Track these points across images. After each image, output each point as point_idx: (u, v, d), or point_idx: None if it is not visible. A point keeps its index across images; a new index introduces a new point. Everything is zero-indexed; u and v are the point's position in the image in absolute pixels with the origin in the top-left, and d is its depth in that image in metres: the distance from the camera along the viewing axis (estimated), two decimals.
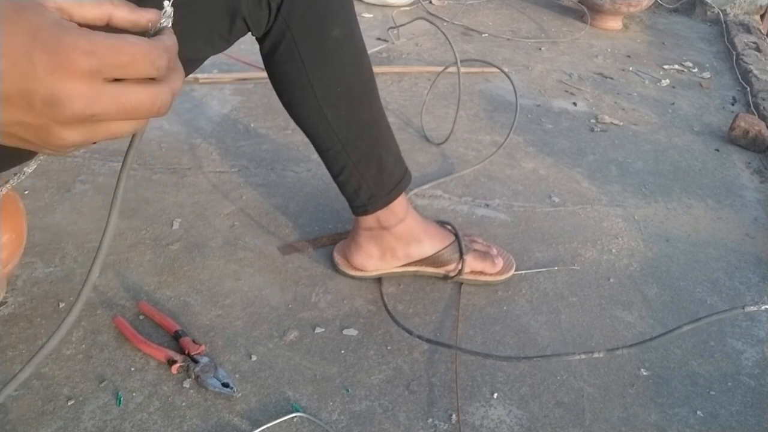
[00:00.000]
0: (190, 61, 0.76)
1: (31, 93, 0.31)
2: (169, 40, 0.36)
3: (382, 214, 0.92)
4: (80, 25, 0.33)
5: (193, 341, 0.82)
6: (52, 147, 0.35)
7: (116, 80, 0.34)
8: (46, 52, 0.31)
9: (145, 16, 0.38)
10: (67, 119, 0.32)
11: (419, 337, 0.87)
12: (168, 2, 0.38)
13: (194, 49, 0.73)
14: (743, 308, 0.71)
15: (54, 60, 0.31)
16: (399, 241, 0.94)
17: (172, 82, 0.37)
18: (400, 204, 0.92)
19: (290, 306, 0.92)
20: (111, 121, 0.35)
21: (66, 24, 0.32)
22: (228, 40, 0.74)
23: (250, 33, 0.77)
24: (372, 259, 0.96)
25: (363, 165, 0.88)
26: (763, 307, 0.71)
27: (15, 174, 0.48)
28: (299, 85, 0.81)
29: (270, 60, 0.81)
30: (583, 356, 0.81)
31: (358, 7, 2.20)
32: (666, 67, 2.14)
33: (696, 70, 2.15)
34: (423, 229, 0.96)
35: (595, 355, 0.79)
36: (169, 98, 0.37)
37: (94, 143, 0.37)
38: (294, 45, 0.77)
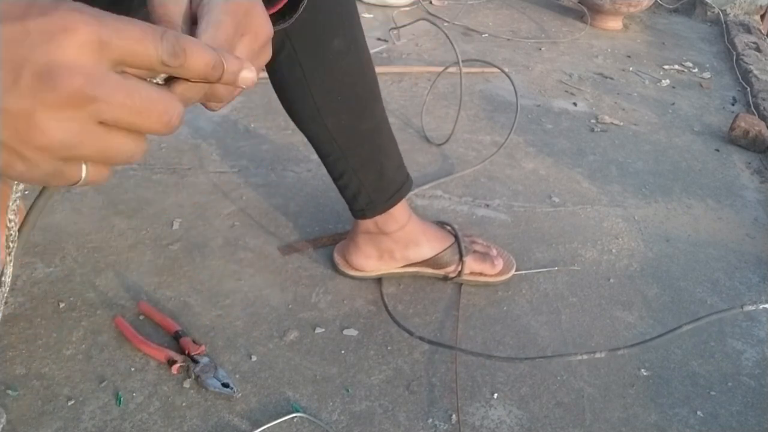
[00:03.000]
0: None
1: (22, 63, 0.26)
2: (186, 39, 0.30)
3: (381, 219, 0.92)
4: None
5: (193, 341, 0.82)
6: (31, 150, 0.27)
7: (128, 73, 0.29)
8: (44, 14, 0.26)
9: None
10: (60, 100, 0.26)
11: (420, 338, 0.87)
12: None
13: None
14: (742, 308, 0.71)
15: (53, 24, 0.26)
16: (397, 244, 0.94)
17: (180, 91, 0.32)
18: (399, 209, 0.92)
19: (290, 306, 0.92)
20: (110, 125, 0.29)
21: None
22: None
23: None
24: (370, 260, 0.96)
25: (363, 171, 0.87)
26: (761, 306, 0.71)
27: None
28: (299, 93, 0.80)
29: (270, 67, 0.81)
30: (584, 357, 0.81)
31: (358, 8, 2.20)
32: (666, 67, 2.14)
33: (696, 70, 2.15)
34: (422, 232, 0.96)
35: (597, 355, 0.79)
36: (181, 114, 0.31)
37: (84, 167, 0.30)
38: (294, 54, 0.76)
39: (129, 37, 0.28)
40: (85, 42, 0.26)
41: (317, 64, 0.78)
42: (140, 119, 0.29)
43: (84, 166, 0.30)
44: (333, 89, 0.80)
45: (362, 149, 0.86)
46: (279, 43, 0.76)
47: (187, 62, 0.30)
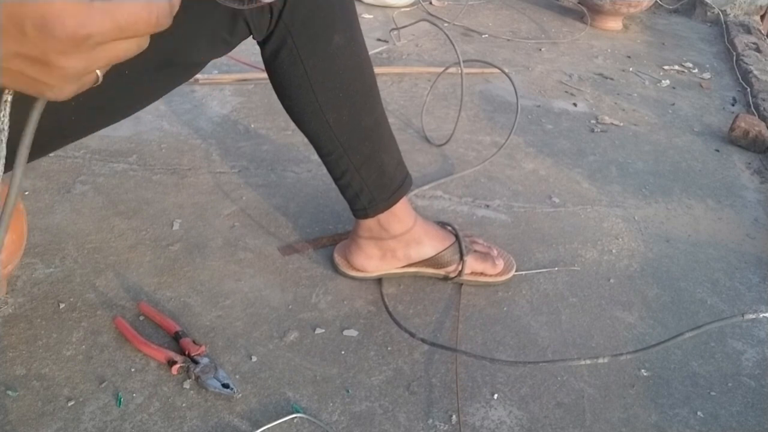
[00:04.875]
0: (193, 65, 0.76)
1: (22, 19, 0.30)
2: None
3: (383, 218, 0.92)
4: None
5: (194, 342, 0.82)
6: (55, 80, 0.33)
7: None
8: None
9: None
10: (63, 44, 0.31)
11: (423, 340, 0.87)
12: None
13: (197, 52, 0.72)
14: (743, 315, 0.72)
15: None
16: (399, 242, 0.94)
17: None
18: (401, 207, 0.92)
19: (290, 307, 0.92)
20: (110, 42, 0.33)
21: None
22: (230, 43, 0.74)
23: (251, 36, 0.77)
24: (372, 260, 0.96)
25: (364, 169, 0.88)
26: (761, 315, 0.72)
27: None
28: (301, 90, 0.81)
29: (272, 65, 0.81)
30: (588, 362, 0.81)
31: (358, 8, 2.20)
32: (666, 67, 2.14)
33: (696, 70, 2.15)
34: (423, 230, 0.96)
35: (600, 360, 0.79)
36: (165, 6, 0.35)
37: (99, 71, 0.36)
38: (296, 51, 0.77)
39: None
40: None
41: (319, 60, 0.78)
42: (131, 32, 0.33)
43: (99, 71, 0.36)
44: (334, 85, 0.81)
45: (363, 146, 0.86)
46: (281, 40, 0.77)
47: None
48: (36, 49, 0.31)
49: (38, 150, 0.69)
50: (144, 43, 0.36)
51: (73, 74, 0.33)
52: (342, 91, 0.81)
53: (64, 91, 0.35)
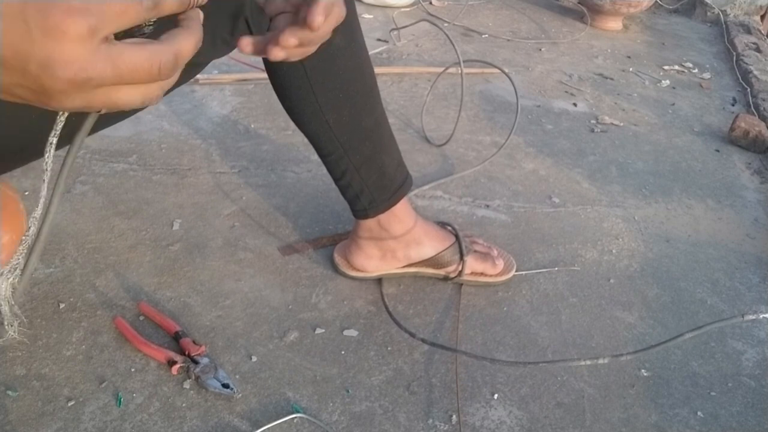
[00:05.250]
0: (194, 66, 0.76)
1: (27, 56, 0.31)
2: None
3: (383, 218, 0.92)
4: None
5: (194, 342, 0.82)
6: (55, 109, 0.34)
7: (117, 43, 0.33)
8: (40, 12, 0.30)
9: None
10: (62, 84, 0.32)
11: (423, 340, 0.87)
12: None
13: (198, 52, 0.72)
14: (743, 316, 0.72)
15: (48, 21, 0.30)
16: (399, 243, 0.94)
17: (176, 42, 0.36)
18: (401, 208, 0.92)
19: (290, 307, 0.92)
20: (111, 86, 0.34)
21: None
22: (230, 42, 0.74)
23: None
24: (372, 260, 0.96)
25: (364, 170, 0.88)
26: (761, 316, 0.72)
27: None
28: (301, 90, 0.81)
29: (272, 65, 0.81)
30: (588, 362, 0.81)
31: (358, 8, 2.20)
32: (666, 67, 2.14)
33: (696, 70, 2.15)
34: (424, 230, 0.96)
35: (600, 361, 0.79)
36: (170, 59, 0.35)
37: (101, 112, 0.36)
38: None
39: (113, 14, 0.32)
40: (75, 36, 0.31)
41: (319, 60, 0.78)
42: (131, 79, 0.34)
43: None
44: (334, 86, 0.81)
45: (363, 146, 0.86)
46: None
47: (162, 7, 0.35)
48: (37, 85, 0.32)
49: (37, 153, 0.69)
50: (150, 94, 0.36)
51: (72, 109, 0.34)
52: (342, 92, 0.82)
53: (64, 108, 0.35)
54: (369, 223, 0.93)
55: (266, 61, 0.81)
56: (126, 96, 0.35)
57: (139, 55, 0.33)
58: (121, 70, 0.33)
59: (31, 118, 0.61)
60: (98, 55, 0.32)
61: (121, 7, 0.32)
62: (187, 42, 0.37)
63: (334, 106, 0.82)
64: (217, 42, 0.73)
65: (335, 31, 0.80)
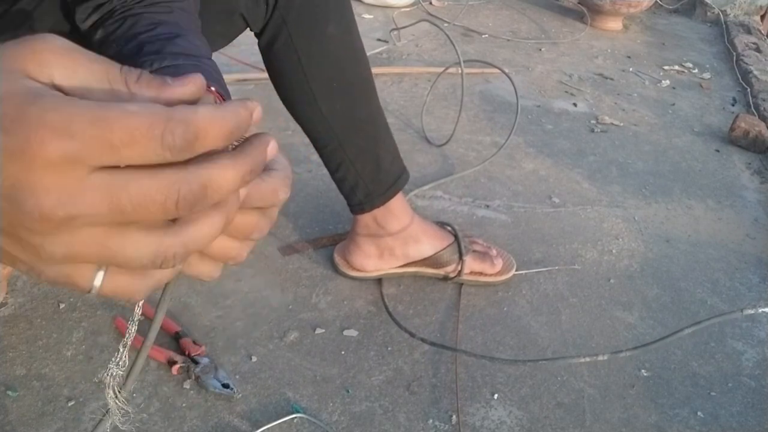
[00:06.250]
0: None
1: None
2: (209, 124, 0.23)
3: (380, 213, 0.92)
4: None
5: (194, 342, 0.82)
6: (29, 259, 0.24)
7: (112, 167, 0.23)
8: (6, 131, 0.22)
9: (177, 89, 0.25)
10: (38, 223, 0.22)
11: (423, 339, 0.87)
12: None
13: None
14: (742, 311, 0.71)
15: (15, 142, 0.22)
16: (396, 240, 0.94)
17: (207, 168, 0.24)
18: (397, 203, 0.92)
19: (290, 307, 0.92)
20: (106, 228, 0.24)
21: (40, 91, 0.22)
22: (227, 36, 0.75)
23: (248, 29, 0.78)
24: (371, 258, 0.96)
25: (360, 162, 0.88)
26: (760, 310, 0.71)
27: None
28: (296, 79, 0.82)
29: (267, 55, 0.82)
30: (587, 359, 0.82)
31: (358, 8, 2.20)
32: (666, 67, 2.14)
33: (696, 70, 2.15)
34: (422, 229, 0.96)
35: (599, 358, 0.79)
36: (193, 190, 0.23)
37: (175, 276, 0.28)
38: (290, 40, 0.78)
39: (108, 144, 0.22)
40: (53, 160, 0.22)
41: (313, 49, 0.80)
42: (139, 217, 0.23)
43: (100, 273, 0.26)
44: (328, 74, 0.82)
45: (358, 137, 0.87)
46: (276, 29, 0.78)
47: (198, 144, 0.24)
48: (6, 224, 0.23)
49: None
50: (167, 249, 0.25)
51: (49, 258, 0.24)
52: (336, 81, 0.83)
53: (44, 272, 0.25)
54: (366, 220, 0.93)
55: (263, 51, 0.82)
56: (132, 245, 0.24)
57: (149, 184, 0.23)
58: (121, 205, 0.23)
59: None
60: (87, 186, 0.22)
61: (130, 131, 0.22)
62: (225, 171, 0.24)
63: (328, 95, 0.83)
64: (213, 36, 0.73)
65: (329, 19, 0.81)
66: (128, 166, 0.23)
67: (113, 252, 0.24)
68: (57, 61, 0.23)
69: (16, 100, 0.22)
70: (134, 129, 0.22)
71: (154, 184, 0.23)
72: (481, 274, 0.99)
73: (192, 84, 0.25)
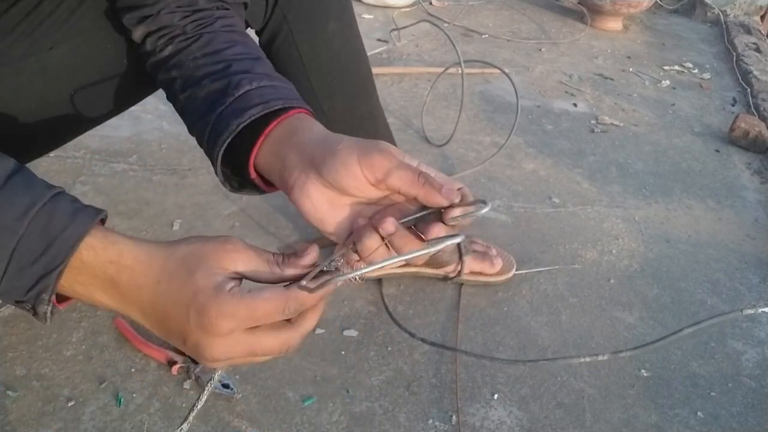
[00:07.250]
0: None
1: (185, 337, 0.41)
2: (307, 297, 0.43)
3: None
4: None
5: None
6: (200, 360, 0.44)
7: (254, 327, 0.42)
8: (197, 312, 0.40)
9: (305, 260, 0.46)
10: (208, 360, 0.42)
11: (422, 340, 0.87)
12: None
13: None
14: (742, 311, 0.71)
15: (202, 320, 0.40)
16: None
17: (302, 326, 0.45)
18: None
19: None
20: (243, 358, 0.43)
21: (222, 287, 0.41)
22: None
23: (248, 27, 0.77)
24: None
25: None
26: (760, 310, 0.71)
27: None
28: (296, 76, 0.82)
29: (268, 51, 0.82)
30: (587, 359, 0.81)
31: (358, 8, 2.20)
32: (666, 68, 2.14)
33: (696, 71, 2.15)
34: None
35: (599, 358, 0.79)
36: (297, 342, 0.44)
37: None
38: (291, 37, 0.79)
39: (254, 317, 0.41)
40: (221, 333, 0.41)
41: (313, 45, 0.80)
42: (265, 357, 0.44)
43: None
44: (328, 71, 0.82)
45: (358, 135, 0.87)
46: (277, 26, 0.78)
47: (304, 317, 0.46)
48: (190, 352, 0.43)
49: (33, 153, 0.69)
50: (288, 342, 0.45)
51: (216, 365, 0.44)
52: (336, 78, 0.83)
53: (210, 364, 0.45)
54: None
55: (263, 48, 0.82)
56: (260, 359, 0.45)
57: (273, 341, 0.43)
58: (255, 352, 0.43)
59: (31, 109, 0.62)
60: (239, 343, 0.42)
61: (266, 311, 0.41)
62: (311, 323, 0.47)
63: (327, 92, 0.83)
64: None
65: (330, 16, 0.81)
66: (263, 326, 0.42)
67: (250, 363, 0.53)
68: (239, 257, 0.44)
69: (208, 293, 0.40)
70: (269, 310, 0.41)
71: (276, 340, 0.43)
72: (481, 274, 0.99)
73: (310, 257, 0.47)
